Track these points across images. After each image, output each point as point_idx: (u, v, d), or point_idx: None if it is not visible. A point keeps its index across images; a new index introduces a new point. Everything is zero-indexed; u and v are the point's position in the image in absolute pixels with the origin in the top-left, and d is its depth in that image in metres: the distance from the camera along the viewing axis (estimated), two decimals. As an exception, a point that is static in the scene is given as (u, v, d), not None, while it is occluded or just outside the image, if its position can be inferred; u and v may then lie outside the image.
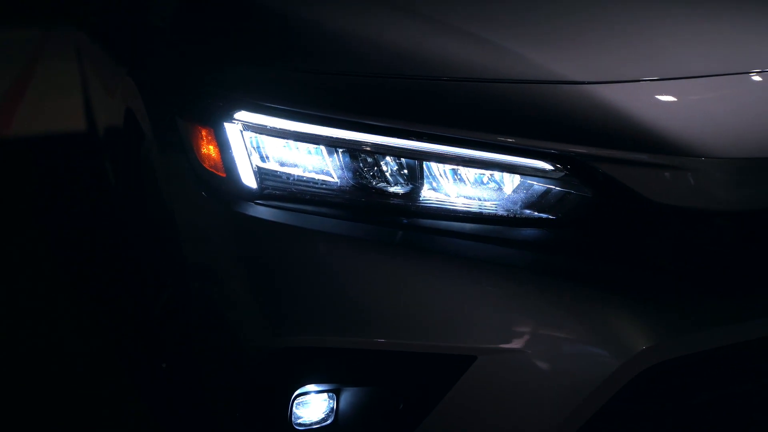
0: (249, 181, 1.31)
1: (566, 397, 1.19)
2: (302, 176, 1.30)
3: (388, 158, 1.28)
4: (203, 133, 1.37)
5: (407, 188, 1.28)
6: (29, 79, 6.73)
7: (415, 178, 1.28)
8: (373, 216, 1.27)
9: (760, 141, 1.21)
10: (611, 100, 1.23)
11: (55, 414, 1.93)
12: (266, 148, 1.31)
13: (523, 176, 1.26)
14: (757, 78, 1.33)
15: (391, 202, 1.28)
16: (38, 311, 2.48)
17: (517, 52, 1.34)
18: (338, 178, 1.29)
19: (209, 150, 1.36)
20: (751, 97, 1.31)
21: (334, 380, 1.29)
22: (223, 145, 1.32)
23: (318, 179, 1.29)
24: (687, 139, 1.19)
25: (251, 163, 1.31)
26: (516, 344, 1.19)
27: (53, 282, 2.70)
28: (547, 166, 1.24)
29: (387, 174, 1.29)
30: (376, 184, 1.29)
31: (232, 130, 1.31)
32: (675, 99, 1.27)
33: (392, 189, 1.28)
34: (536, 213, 1.27)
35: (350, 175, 1.28)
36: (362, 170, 1.28)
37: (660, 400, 1.26)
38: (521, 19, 1.53)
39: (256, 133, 1.30)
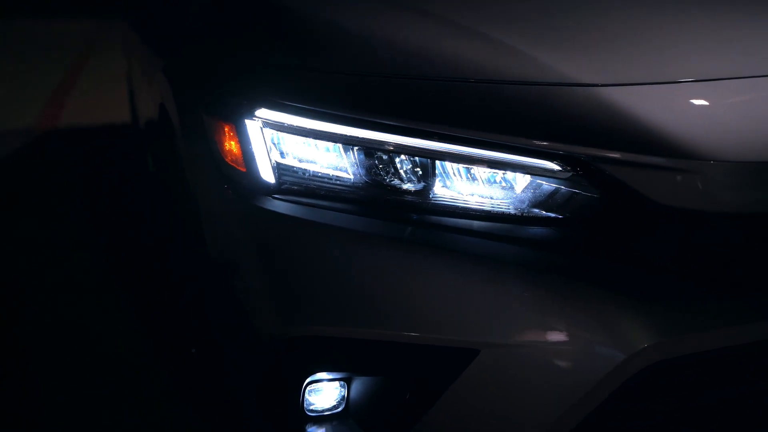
0: (267, 176, 1.36)
1: (567, 393, 1.22)
2: (319, 173, 1.35)
3: (401, 156, 1.32)
4: (226, 129, 1.43)
5: (419, 186, 1.32)
6: (80, 71, 6.92)
7: (428, 176, 1.32)
8: (385, 212, 1.32)
9: (764, 145, 1.22)
10: (619, 103, 1.26)
11: (88, 394, 2.02)
12: (285, 145, 1.36)
13: (533, 176, 1.29)
14: (765, 82, 1.34)
15: (404, 199, 1.32)
16: (75, 295, 2.57)
17: (528, 54, 1.37)
18: (353, 174, 1.33)
19: (231, 145, 1.42)
20: (759, 100, 1.31)
21: (343, 369, 1.34)
22: (243, 141, 1.38)
23: (334, 176, 1.34)
24: (694, 142, 1.21)
25: (270, 159, 1.36)
26: (518, 339, 1.22)
27: (91, 267, 2.80)
28: (556, 167, 1.26)
29: (400, 172, 1.33)
30: (389, 181, 1.33)
31: (252, 126, 1.37)
32: (683, 102, 1.28)
33: (405, 186, 1.33)
34: (544, 212, 1.30)
35: (364, 172, 1.33)
36: (376, 168, 1.33)
37: (661, 400, 1.28)
38: (533, 21, 1.56)
39: (275, 130, 1.35)
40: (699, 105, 1.29)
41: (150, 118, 2.56)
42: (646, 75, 1.33)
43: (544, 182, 1.29)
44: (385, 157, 1.33)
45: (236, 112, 1.40)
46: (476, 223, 1.30)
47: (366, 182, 1.33)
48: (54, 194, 3.67)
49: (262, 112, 1.36)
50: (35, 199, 3.61)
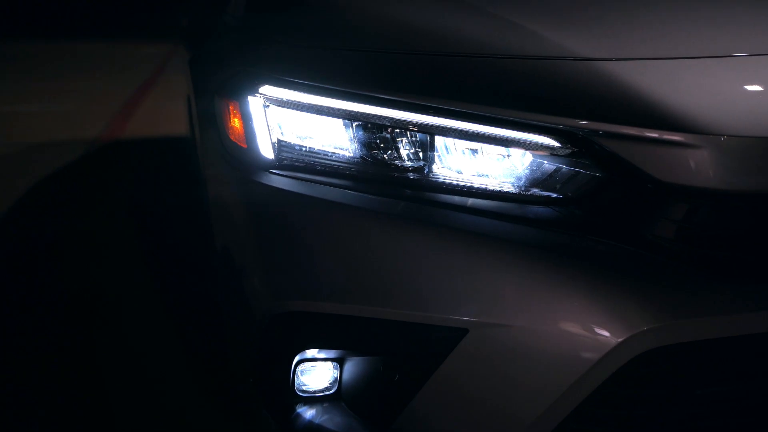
0: (267, 152, 1.36)
1: (559, 377, 1.16)
2: (317, 149, 1.34)
3: (399, 132, 1.30)
4: (231, 107, 1.44)
5: (416, 163, 1.30)
6: (150, 88, 7.16)
7: (425, 152, 1.29)
8: (381, 189, 1.30)
9: (765, 120, 1.15)
10: (620, 77, 1.21)
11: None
12: (285, 121, 1.36)
13: (534, 154, 1.25)
14: (764, 59, 1.27)
15: (400, 175, 1.30)
16: (113, 291, 2.64)
17: (528, 29, 1.34)
18: (351, 151, 1.32)
19: (234, 123, 1.43)
20: (762, 77, 1.24)
21: (332, 346, 1.31)
22: (246, 118, 1.39)
23: (331, 152, 1.33)
24: (698, 116, 1.15)
25: (270, 135, 1.36)
26: (509, 320, 1.18)
27: (133, 267, 2.88)
28: (555, 143, 1.22)
29: (397, 148, 1.31)
30: (386, 157, 1.31)
31: (254, 103, 1.38)
32: (688, 77, 1.23)
33: (401, 163, 1.30)
34: (544, 192, 1.25)
35: (362, 148, 1.31)
36: (373, 143, 1.31)
37: (658, 389, 1.20)
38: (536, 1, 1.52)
39: (277, 105, 1.36)
40: (705, 80, 1.23)
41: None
42: (650, 50, 1.28)
43: (545, 161, 1.25)
44: (382, 132, 1.31)
45: (240, 90, 1.41)
46: (473, 201, 1.27)
47: (363, 158, 1.32)
48: (104, 193, 3.81)
49: (265, 89, 1.37)
50: (87, 197, 3.75)
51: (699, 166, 1.15)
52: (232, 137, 1.44)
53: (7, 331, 2.34)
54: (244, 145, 1.39)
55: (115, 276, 2.77)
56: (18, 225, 3.38)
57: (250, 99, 1.38)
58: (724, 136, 1.14)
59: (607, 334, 1.14)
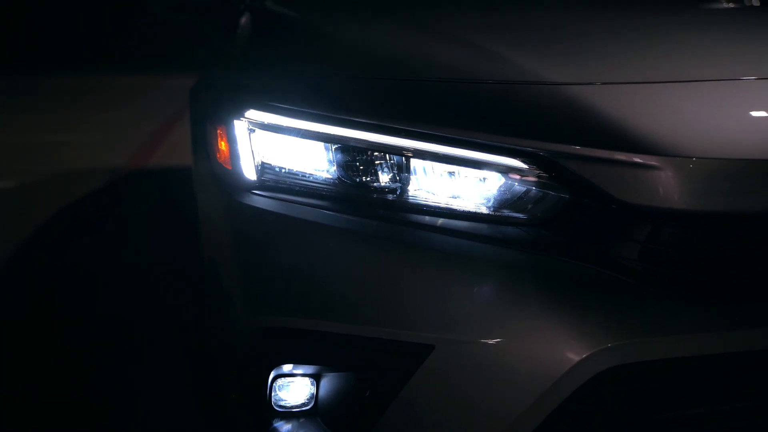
0: (250, 173, 1.41)
1: (523, 393, 1.19)
2: (297, 170, 1.39)
3: (373, 154, 1.34)
4: (219, 131, 1.50)
5: (392, 185, 1.34)
6: (178, 120, 7.32)
7: (399, 174, 1.34)
8: (356, 209, 1.34)
9: (729, 143, 1.18)
10: (585, 100, 1.25)
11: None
12: (267, 144, 1.41)
13: (505, 176, 1.29)
14: (730, 84, 1.31)
15: (375, 196, 1.34)
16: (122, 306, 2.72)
17: (500, 54, 1.39)
18: (328, 172, 1.37)
19: (222, 146, 1.49)
20: (728, 101, 1.27)
21: (306, 361, 1.35)
22: (231, 141, 1.45)
23: (309, 173, 1.38)
24: (656, 138, 1.18)
25: (254, 157, 1.41)
26: (473, 336, 1.21)
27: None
28: (524, 165, 1.26)
29: (373, 170, 1.35)
30: (361, 179, 1.35)
31: (239, 127, 1.43)
32: (648, 101, 1.26)
33: (377, 184, 1.35)
34: (513, 212, 1.29)
35: (339, 169, 1.36)
36: (350, 165, 1.36)
37: (622, 407, 1.22)
38: (511, 25, 1.58)
39: (260, 129, 1.41)
40: (668, 104, 1.26)
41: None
42: (616, 74, 1.33)
43: (515, 183, 1.28)
44: (358, 155, 1.35)
45: (227, 114, 1.47)
46: (444, 221, 1.30)
47: (341, 179, 1.36)
48: (122, 219, 3.93)
49: (250, 113, 1.42)
50: (107, 222, 3.87)
51: (661, 187, 1.18)
52: (219, 159, 1.49)
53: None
54: (230, 167, 1.45)
55: (130, 296, 2.86)
56: (43, 247, 3.49)
57: (236, 123, 1.44)
58: (693, 158, 1.17)
59: (570, 351, 1.16)
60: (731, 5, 2.18)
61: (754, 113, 1.27)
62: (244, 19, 2.12)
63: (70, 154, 5.67)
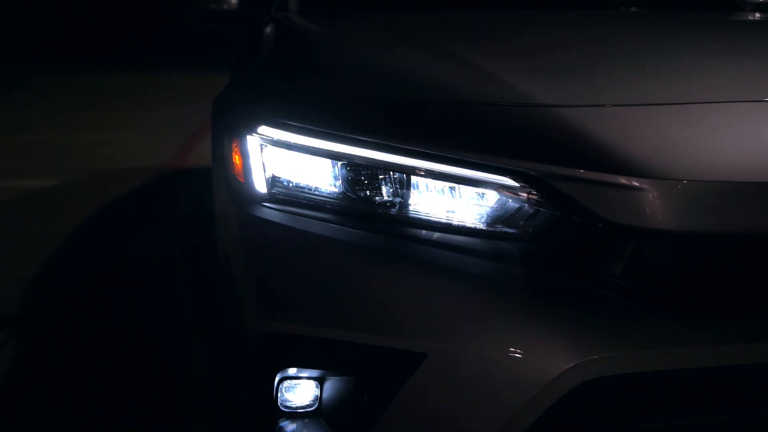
0: (261, 186, 1.50)
1: (509, 399, 1.25)
2: (304, 184, 1.47)
3: (375, 170, 1.42)
4: (234, 145, 1.59)
5: (393, 199, 1.41)
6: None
7: (400, 190, 1.41)
8: (359, 222, 1.41)
9: (712, 166, 1.22)
10: (574, 122, 1.31)
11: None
12: (277, 159, 1.49)
13: (499, 193, 1.35)
14: (715, 107, 1.36)
15: (376, 210, 1.42)
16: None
17: (498, 77, 1.45)
18: (334, 187, 1.44)
19: (236, 159, 1.57)
20: (710, 124, 1.32)
21: (309, 366, 1.43)
22: (244, 155, 1.53)
23: (316, 187, 1.46)
24: (641, 160, 1.24)
25: (265, 171, 1.50)
26: (464, 346, 1.27)
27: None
28: (516, 184, 1.32)
29: (375, 185, 1.42)
30: (365, 193, 1.43)
31: (252, 142, 1.52)
32: (632, 123, 1.31)
33: (379, 199, 1.42)
34: (506, 228, 1.35)
35: (344, 184, 1.44)
36: (354, 181, 1.43)
37: (604, 417, 1.27)
38: (514, 48, 1.64)
39: (271, 144, 1.49)
40: (652, 126, 1.31)
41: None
42: (603, 97, 1.38)
43: (509, 200, 1.34)
44: (362, 171, 1.43)
45: (241, 129, 1.55)
46: (440, 236, 1.37)
47: (345, 194, 1.44)
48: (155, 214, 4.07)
49: (263, 129, 1.51)
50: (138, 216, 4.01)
51: (646, 208, 1.23)
52: (233, 172, 1.58)
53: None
54: (242, 180, 1.53)
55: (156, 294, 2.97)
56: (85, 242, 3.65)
57: (249, 138, 1.52)
58: (677, 180, 1.22)
59: (555, 361, 1.22)
60: (721, 26, 2.23)
61: (739, 136, 1.31)
62: (265, 33, 2.21)
63: (113, 154, 5.85)
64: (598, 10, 2.65)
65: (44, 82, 10.05)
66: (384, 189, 1.42)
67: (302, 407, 1.48)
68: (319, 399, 1.46)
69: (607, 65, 1.56)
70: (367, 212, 1.42)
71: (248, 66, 1.91)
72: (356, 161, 1.42)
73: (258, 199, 1.49)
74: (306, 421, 1.47)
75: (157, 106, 8.31)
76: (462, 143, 1.35)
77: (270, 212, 1.47)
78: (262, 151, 1.50)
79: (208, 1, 2.63)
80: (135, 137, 6.58)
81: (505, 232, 1.34)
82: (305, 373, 1.44)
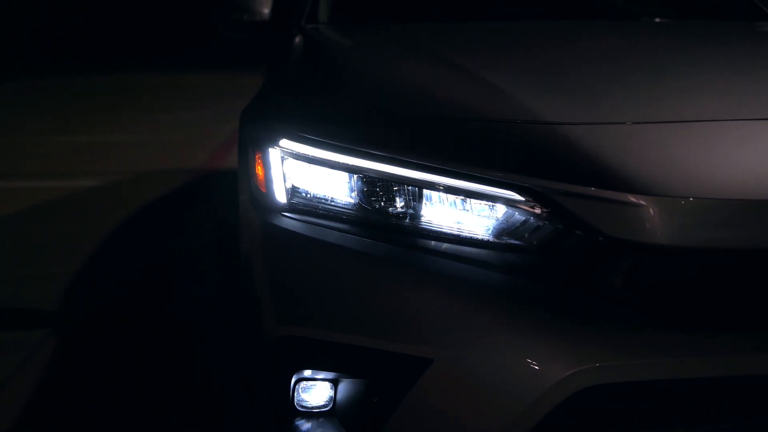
0: (281, 196, 1.58)
1: (512, 403, 1.31)
2: (321, 195, 1.55)
3: (389, 183, 1.49)
4: (257, 157, 1.67)
5: (406, 212, 1.48)
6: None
7: (412, 202, 1.48)
8: (372, 233, 1.49)
9: (710, 183, 1.27)
10: (576, 140, 1.37)
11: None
12: (297, 171, 1.57)
13: (507, 207, 1.41)
14: (713, 126, 1.40)
15: (389, 221, 1.49)
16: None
17: (507, 94, 1.52)
18: (349, 198, 1.52)
19: (259, 170, 1.66)
20: (706, 143, 1.36)
21: (324, 368, 1.50)
22: (266, 167, 1.62)
23: (332, 198, 1.54)
24: (639, 177, 1.29)
25: (285, 182, 1.58)
26: (468, 352, 1.34)
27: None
28: (520, 198, 1.38)
29: (389, 198, 1.50)
30: (379, 205, 1.50)
31: (274, 154, 1.60)
32: (633, 140, 1.37)
33: (392, 210, 1.49)
34: (512, 240, 1.41)
35: (359, 196, 1.51)
36: (369, 193, 1.51)
37: (601, 423, 1.33)
38: (520, 62, 1.70)
39: (291, 157, 1.57)
40: (652, 144, 1.36)
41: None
42: (605, 114, 1.43)
43: (515, 213, 1.40)
44: (376, 184, 1.50)
45: (263, 142, 1.64)
46: (448, 246, 1.44)
47: (360, 205, 1.51)
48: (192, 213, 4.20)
49: (284, 143, 1.59)
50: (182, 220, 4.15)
51: (645, 223, 1.28)
52: (256, 182, 1.67)
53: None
54: (264, 190, 1.62)
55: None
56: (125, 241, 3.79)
57: (271, 150, 1.61)
58: (675, 197, 1.27)
59: (556, 368, 1.28)
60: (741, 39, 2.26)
61: (736, 154, 1.35)
62: (293, 45, 2.30)
63: (151, 156, 6.02)
64: (621, 20, 2.69)
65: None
66: (397, 201, 1.49)
67: (317, 407, 1.55)
68: (333, 400, 1.53)
69: (613, 82, 1.61)
70: (380, 223, 1.49)
71: (274, 78, 1.99)
72: (371, 174, 1.49)
73: (278, 209, 1.57)
74: (321, 420, 1.54)
75: (196, 105, 8.51)
76: (471, 158, 1.42)
77: (289, 221, 1.55)
78: (282, 163, 1.58)
79: (241, 12, 2.73)
80: (175, 138, 6.74)
81: (511, 244, 1.40)
82: (320, 375, 1.52)
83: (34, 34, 14.27)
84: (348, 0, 2.73)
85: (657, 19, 2.71)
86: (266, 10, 2.73)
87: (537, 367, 1.29)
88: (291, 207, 1.56)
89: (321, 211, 1.54)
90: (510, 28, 2.40)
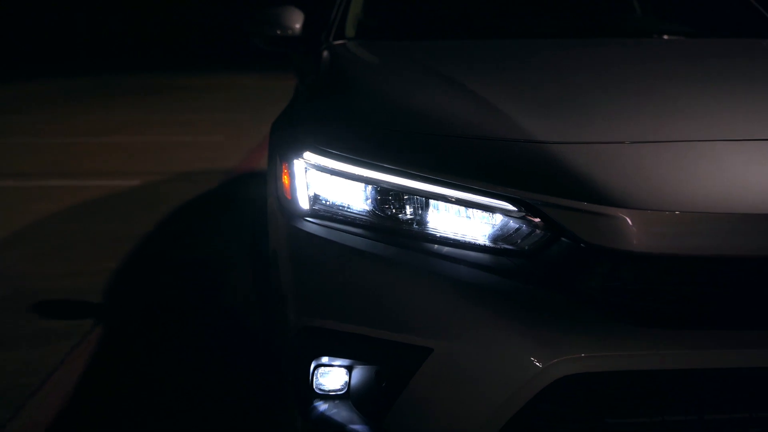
0: (304, 203, 1.78)
1: (501, 389, 1.50)
2: (339, 203, 1.75)
3: (399, 194, 1.68)
4: (284, 167, 1.88)
5: (415, 219, 1.67)
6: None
7: (420, 211, 1.67)
8: (385, 237, 1.68)
9: (677, 198, 1.45)
10: (562, 157, 1.55)
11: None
12: (319, 181, 1.77)
13: (502, 216, 1.60)
14: (687, 146, 1.60)
15: (400, 227, 1.68)
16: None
17: (503, 113, 1.73)
18: (365, 206, 1.71)
19: (285, 179, 1.86)
20: (679, 160, 1.55)
21: (339, 355, 1.70)
22: (291, 176, 1.82)
23: (349, 205, 1.73)
24: (615, 191, 1.47)
25: (308, 190, 1.78)
26: (464, 343, 1.52)
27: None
28: (513, 208, 1.56)
29: (400, 207, 1.69)
30: (389, 213, 1.69)
31: (298, 165, 1.80)
32: (613, 158, 1.56)
33: (403, 217, 1.68)
34: (504, 245, 1.59)
35: (373, 205, 1.70)
36: (382, 202, 1.70)
37: (578, 408, 1.51)
38: (519, 83, 1.91)
39: (314, 168, 1.77)
40: (630, 161, 1.54)
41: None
42: (591, 134, 1.62)
43: (508, 222, 1.59)
44: (388, 194, 1.69)
45: (289, 153, 1.84)
46: (449, 250, 1.62)
47: (375, 213, 1.70)
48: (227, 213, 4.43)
49: (307, 155, 1.79)
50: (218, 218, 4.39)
51: (621, 232, 1.45)
52: (283, 189, 1.87)
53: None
54: (289, 197, 1.82)
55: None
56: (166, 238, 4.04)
57: (295, 161, 1.81)
58: (648, 210, 1.44)
59: (540, 358, 1.47)
60: (742, 58, 2.40)
61: (704, 172, 1.52)
62: (321, 60, 2.50)
63: (190, 156, 6.28)
64: (631, 38, 2.85)
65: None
66: (407, 209, 1.68)
67: (334, 391, 1.75)
68: (348, 384, 1.73)
69: (605, 104, 1.82)
70: (391, 228, 1.68)
71: (302, 92, 2.20)
72: (384, 186, 1.68)
73: (301, 214, 1.78)
74: (337, 402, 1.74)
75: (237, 106, 8.76)
76: (472, 173, 1.60)
77: (311, 226, 1.75)
78: (306, 173, 1.79)
79: (273, 27, 2.94)
80: (214, 140, 7.00)
81: (505, 249, 1.58)
82: (336, 362, 1.72)
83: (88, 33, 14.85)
84: (373, 18, 2.92)
85: (666, 36, 2.86)
86: (298, 26, 2.94)
87: (523, 358, 1.47)
88: (313, 213, 1.76)
89: (339, 217, 1.73)
90: (526, 48, 2.59)
